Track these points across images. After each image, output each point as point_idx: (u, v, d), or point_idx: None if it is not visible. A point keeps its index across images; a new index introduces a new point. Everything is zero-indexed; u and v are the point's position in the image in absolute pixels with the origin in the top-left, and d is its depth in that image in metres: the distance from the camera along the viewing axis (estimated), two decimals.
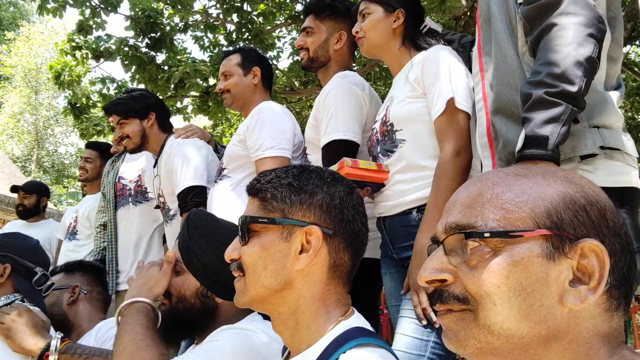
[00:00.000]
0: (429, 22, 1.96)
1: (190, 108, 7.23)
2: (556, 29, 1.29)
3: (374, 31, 1.90)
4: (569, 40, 1.27)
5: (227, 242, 1.30)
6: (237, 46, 6.24)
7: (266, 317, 1.38)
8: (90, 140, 6.08)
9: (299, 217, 1.00)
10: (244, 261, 1.02)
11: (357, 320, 1.01)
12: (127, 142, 2.69)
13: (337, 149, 1.91)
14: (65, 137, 23.38)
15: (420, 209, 1.67)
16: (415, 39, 1.90)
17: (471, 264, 0.66)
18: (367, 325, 1.01)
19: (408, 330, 1.54)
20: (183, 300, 1.38)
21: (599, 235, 0.65)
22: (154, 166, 2.73)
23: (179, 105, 7.15)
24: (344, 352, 0.90)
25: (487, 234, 0.65)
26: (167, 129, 2.76)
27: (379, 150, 1.84)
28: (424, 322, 1.52)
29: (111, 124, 3.12)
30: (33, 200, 4.25)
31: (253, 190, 1.06)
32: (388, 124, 1.82)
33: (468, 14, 5.92)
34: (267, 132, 2.17)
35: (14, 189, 4.39)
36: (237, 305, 1.05)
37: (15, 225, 4.32)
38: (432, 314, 1.51)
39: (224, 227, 1.41)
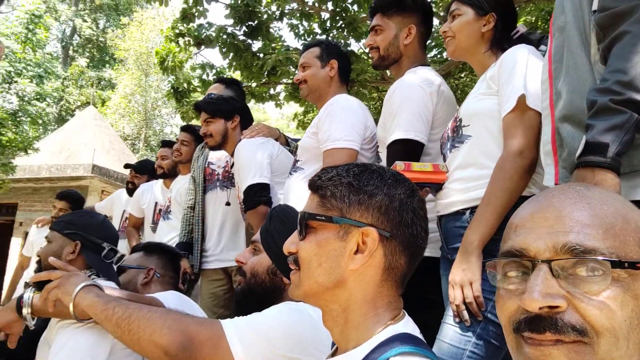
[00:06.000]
0: (521, 28, 1.89)
1: (282, 95, 7.40)
2: (628, 36, 1.23)
3: (462, 33, 1.86)
4: None
5: None
6: (318, 39, 6.28)
7: None
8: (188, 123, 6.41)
9: (356, 217, 1.00)
10: (300, 256, 1.03)
11: (406, 325, 1.00)
12: (209, 140, 2.90)
13: (400, 149, 1.89)
14: (171, 118, 24.76)
15: (474, 210, 1.61)
16: (503, 43, 1.83)
17: (591, 292, 0.62)
18: (416, 331, 1.00)
19: (446, 337, 1.53)
20: (255, 276, 1.51)
21: None
22: (231, 167, 2.90)
23: (272, 92, 7.34)
24: (387, 359, 0.90)
25: (626, 264, 0.61)
26: None
27: (448, 146, 1.80)
28: (457, 320, 1.51)
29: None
30: (143, 180, 4.44)
31: (314, 186, 1.07)
32: (458, 119, 1.78)
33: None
34: (336, 123, 2.19)
35: (128, 166, 4.65)
36: (292, 297, 1.08)
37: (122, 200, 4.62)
38: (465, 313, 1.49)
39: None
